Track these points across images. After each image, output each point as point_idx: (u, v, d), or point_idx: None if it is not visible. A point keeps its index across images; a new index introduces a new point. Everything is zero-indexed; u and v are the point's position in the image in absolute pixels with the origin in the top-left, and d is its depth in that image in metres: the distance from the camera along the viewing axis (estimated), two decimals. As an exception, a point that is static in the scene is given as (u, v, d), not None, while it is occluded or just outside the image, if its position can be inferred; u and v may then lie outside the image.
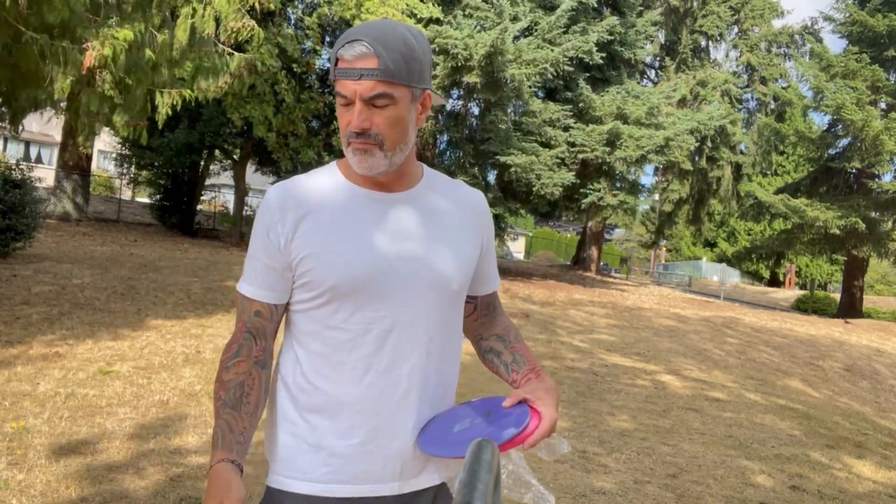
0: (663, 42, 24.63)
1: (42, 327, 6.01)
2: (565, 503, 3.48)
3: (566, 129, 15.63)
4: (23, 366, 4.91)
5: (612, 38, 16.44)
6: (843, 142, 21.00)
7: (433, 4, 13.22)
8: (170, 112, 6.91)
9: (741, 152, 24.76)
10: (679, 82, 21.41)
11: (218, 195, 20.67)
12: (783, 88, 24.17)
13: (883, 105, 20.90)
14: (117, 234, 13.76)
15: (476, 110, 15.77)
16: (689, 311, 14.43)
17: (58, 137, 21.38)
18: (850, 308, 21.39)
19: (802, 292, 27.10)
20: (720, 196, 25.26)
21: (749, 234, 40.75)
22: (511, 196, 16.11)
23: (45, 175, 20.14)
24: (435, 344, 1.22)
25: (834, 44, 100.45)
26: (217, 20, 6.90)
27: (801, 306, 22.74)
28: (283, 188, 1.21)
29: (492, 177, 16.30)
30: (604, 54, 15.55)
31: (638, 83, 20.06)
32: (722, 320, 13.15)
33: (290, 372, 1.22)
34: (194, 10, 6.62)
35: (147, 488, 3.15)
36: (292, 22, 14.89)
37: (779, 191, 23.50)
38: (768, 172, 36.85)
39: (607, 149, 15.48)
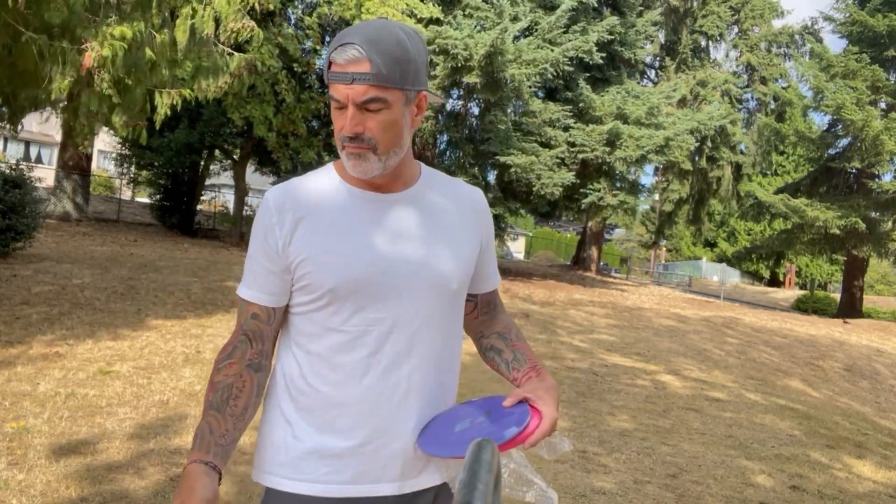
0: (663, 42, 24.63)
1: (42, 327, 6.01)
2: (565, 503, 3.48)
3: (566, 129, 15.63)
4: (23, 366, 4.91)
5: (612, 38, 16.44)
6: (843, 142, 21.01)
7: (433, 4, 13.22)
8: (169, 112, 6.90)
9: (741, 152, 24.77)
10: (679, 82, 21.41)
11: (218, 195, 20.66)
12: (783, 88, 24.18)
13: (883, 105, 20.90)
14: (117, 234, 13.76)
15: (476, 110, 15.78)
16: (689, 311, 14.43)
17: (58, 137, 21.39)
18: (850, 308, 21.39)
19: (802, 292, 27.10)
20: (720, 196, 25.26)
21: (749, 234, 40.76)
22: (511, 196, 16.11)
23: (45, 175, 20.14)
24: (435, 344, 1.21)
25: (834, 44, 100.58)
26: (217, 20, 6.91)
27: (801, 306, 22.74)
28: (281, 190, 1.21)
29: (492, 177, 16.30)
30: (604, 54, 15.55)
31: (638, 83, 20.06)
32: (722, 320, 13.15)
33: (289, 373, 1.22)
34: (194, 10, 6.62)
35: (147, 488, 3.15)
36: (292, 22, 14.89)
37: (779, 191, 23.51)
38: (768, 172, 36.86)
39: (607, 149, 15.48)
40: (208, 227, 18.47)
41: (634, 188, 18.09)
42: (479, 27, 14.28)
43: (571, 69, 15.07)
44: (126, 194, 23.45)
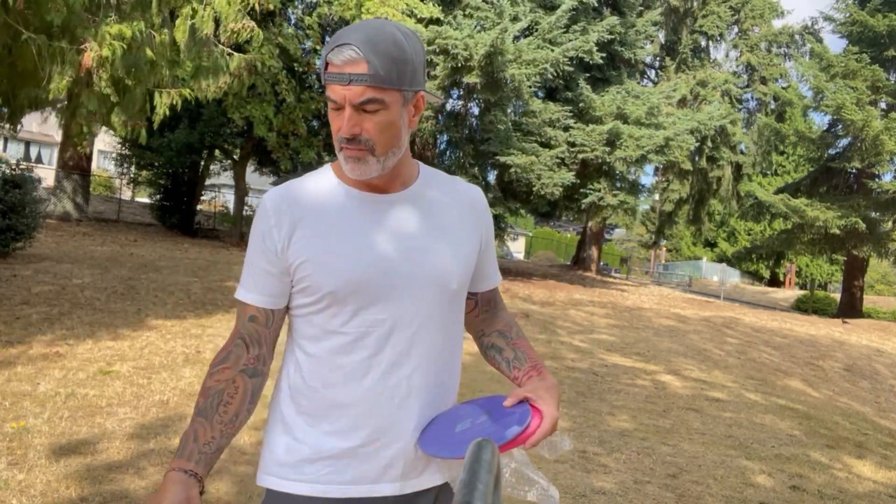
0: (663, 42, 24.63)
1: (42, 327, 6.01)
2: (565, 503, 3.48)
3: (566, 129, 15.63)
4: (23, 366, 4.91)
5: (612, 38, 16.44)
6: (843, 142, 21.01)
7: (433, 4, 13.22)
8: (168, 112, 6.89)
9: (741, 152, 24.77)
10: (679, 82, 21.41)
11: (218, 195, 20.66)
12: (783, 88, 24.18)
13: (883, 105, 20.90)
14: (117, 234, 13.76)
15: (476, 110, 15.78)
16: (689, 311, 14.42)
17: (58, 137, 21.39)
18: (850, 308, 21.39)
19: (802, 292, 27.10)
20: (720, 196, 25.26)
21: (749, 234, 40.76)
22: (511, 196, 16.11)
23: (46, 175, 20.15)
24: (436, 344, 1.21)
25: (834, 44, 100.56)
26: (217, 21, 6.90)
27: (801, 306, 22.74)
28: (279, 193, 1.21)
29: (492, 177, 16.30)
30: (604, 54, 15.55)
31: (638, 83, 20.06)
32: (722, 320, 13.15)
33: (291, 375, 1.22)
34: (194, 10, 6.62)
35: (147, 488, 3.15)
36: (292, 22, 14.89)
37: (779, 191, 23.51)
38: (768, 172, 36.86)
39: (607, 149, 15.48)
40: (208, 227, 18.47)
41: (634, 188, 18.09)
42: (479, 27, 14.28)
43: (571, 69, 15.07)
44: (126, 194, 23.45)
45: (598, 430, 4.94)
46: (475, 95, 14.55)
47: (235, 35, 7.16)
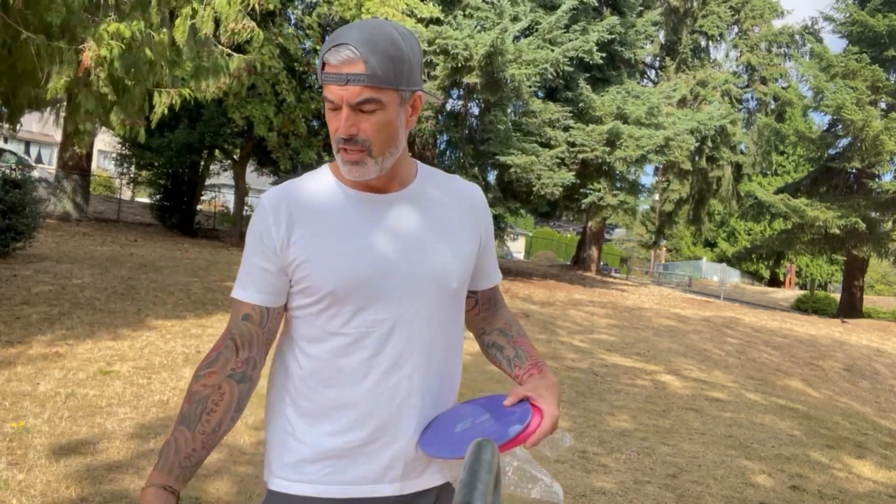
0: (663, 42, 24.64)
1: (42, 327, 6.01)
2: (565, 503, 3.48)
3: (566, 129, 15.63)
4: (23, 366, 4.91)
5: (612, 38, 16.44)
6: (843, 142, 21.01)
7: (433, 4, 13.22)
8: (166, 112, 6.89)
9: (741, 152, 24.77)
10: (679, 82, 21.42)
11: (218, 195, 20.66)
12: (783, 88, 24.18)
13: (883, 105, 20.91)
14: (117, 234, 13.76)
15: (476, 110, 15.78)
16: (689, 311, 14.42)
17: (58, 137, 21.38)
18: (850, 308, 21.40)
19: (802, 292, 27.10)
20: (720, 196, 25.27)
21: (749, 234, 40.76)
22: (511, 196, 16.11)
23: (45, 175, 20.13)
24: (436, 344, 1.21)
25: (834, 44, 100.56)
26: (217, 21, 6.90)
27: (801, 306, 22.74)
28: (277, 193, 1.20)
29: (492, 177, 16.30)
30: (604, 54, 15.55)
31: (638, 83, 20.06)
32: (722, 320, 13.15)
33: (290, 376, 1.22)
34: (194, 10, 6.62)
35: (147, 488, 3.14)
36: (292, 22, 14.90)
37: (779, 191, 23.51)
38: (768, 172, 36.86)
39: (607, 149, 15.48)
40: (208, 227, 18.47)
41: (634, 188, 18.09)
42: (479, 27, 14.28)
43: (571, 69, 15.07)
44: (126, 194, 23.44)
45: (598, 430, 4.94)
46: (475, 95, 14.55)
47: (236, 35, 7.16)
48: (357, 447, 1.17)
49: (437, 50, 13.09)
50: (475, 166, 15.15)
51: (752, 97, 25.52)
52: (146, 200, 19.98)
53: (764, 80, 24.68)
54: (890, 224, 20.39)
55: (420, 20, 13.13)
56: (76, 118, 6.43)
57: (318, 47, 14.53)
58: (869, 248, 20.45)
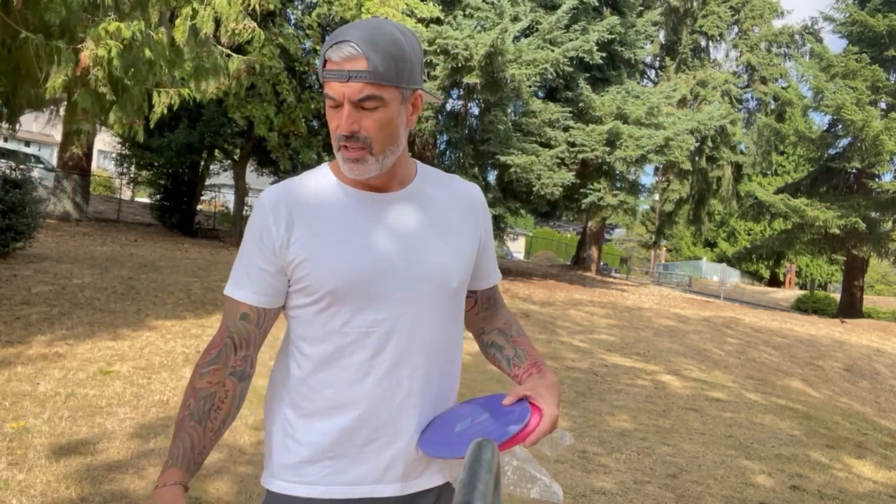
0: (663, 42, 24.64)
1: (42, 327, 6.01)
2: (565, 503, 3.48)
3: (566, 129, 15.63)
4: (23, 366, 4.91)
5: (613, 37, 16.44)
6: (843, 142, 21.02)
7: (433, 4, 13.22)
8: (165, 111, 6.88)
9: (741, 152, 24.77)
10: (679, 82, 21.42)
11: (218, 195, 20.66)
12: (783, 88, 24.18)
13: (883, 105, 20.91)
14: (117, 234, 13.76)
15: (476, 110, 15.78)
16: (690, 311, 14.42)
17: (58, 137, 21.40)
18: (850, 308, 21.40)
19: (802, 292, 27.10)
20: (720, 196, 25.27)
21: (749, 234, 40.77)
22: (511, 196, 16.11)
23: (45, 175, 20.13)
24: (436, 344, 1.21)
25: (834, 44, 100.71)
26: (217, 21, 6.90)
27: (801, 306, 22.74)
28: (277, 191, 1.20)
29: (492, 177, 16.30)
30: (604, 54, 15.55)
31: (638, 83, 20.06)
32: (722, 320, 13.15)
33: (289, 376, 1.21)
34: (194, 10, 6.62)
35: (147, 488, 3.15)
36: (292, 22, 14.90)
37: (779, 191, 23.52)
38: (768, 172, 36.88)
39: (607, 149, 15.48)
40: (208, 227, 18.47)
41: (634, 188, 18.09)
42: (479, 27, 14.28)
43: (571, 69, 15.07)
44: (126, 194, 23.44)
45: (598, 430, 4.94)
46: (475, 95, 14.55)
47: (236, 36, 7.16)
48: (357, 447, 1.17)
49: (437, 50, 13.09)
50: (475, 166, 15.15)
51: (752, 97, 25.53)
52: (146, 200, 19.98)
53: (764, 80, 24.68)
54: (890, 224, 20.39)
55: (420, 20, 13.13)
56: (74, 117, 6.43)
57: (318, 47, 14.53)
58: (869, 248, 20.46)
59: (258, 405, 1.05)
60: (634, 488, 3.78)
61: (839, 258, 23.33)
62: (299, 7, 14.82)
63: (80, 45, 5.54)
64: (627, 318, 11.91)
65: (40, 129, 31.19)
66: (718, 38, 24.76)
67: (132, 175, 18.09)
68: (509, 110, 15.28)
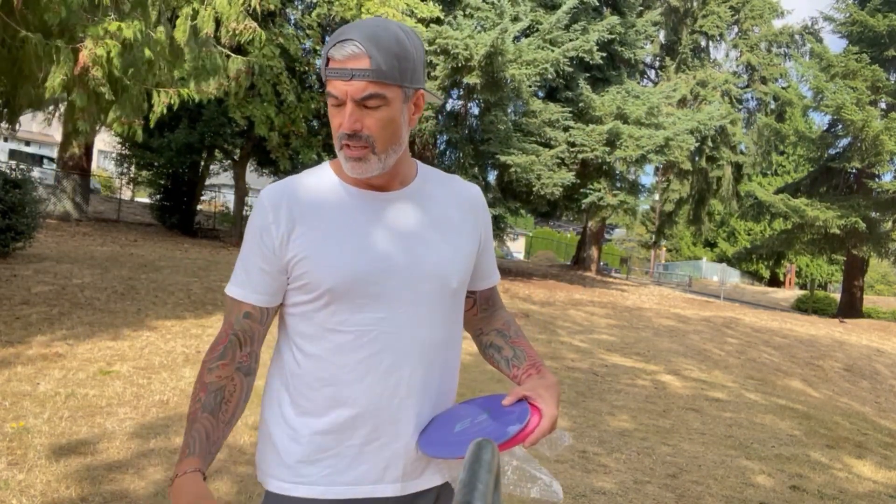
0: (663, 42, 24.64)
1: (42, 327, 6.01)
2: (565, 503, 3.48)
3: (566, 129, 15.63)
4: (23, 366, 4.91)
5: (613, 37, 16.45)
6: (843, 142, 21.03)
7: (433, 4, 13.22)
8: (164, 111, 6.88)
9: (741, 152, 24.78)
10: (679, 82, 21.43)
11: (218, 195, 20.66)
12: (783, 88, 24.19)
13: (883, 105, 20.91)
14: (117, 234, 13.76)
15: (476, 110, 15.78)
16: (690, 311, 14.42)
17: (58, 137, 21.39)
18: (850, 308, 21.40)
19: (802, 292, 27.11)
20: (720, 196, 25.28)
21: (749, 234, 40.78)
22: (511, 196, 16.11)
23: (45, 175, 20.15)
24: (436, 343, 1.21)
25: (834, 44, 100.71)
26: (217, 21, 6.90)
27: (801, 306, 22.74)
28: (277, 189, 1.20)
29: (492, 177, 16.31)
30: (604, 54, 15.56)
31: (638, 83, 20.07)
32: (722, 320, 13.15)
33: (288, 375, 1.21)
34: (195, 10, 6.62)
35: (147, 488, 3.15)
36: (292, 22, 14.91)
37: (779, 191, 23.52)
38: (768, 172, 36.90)
39: (607, 149, 15.48)
40: (208, 227, 18.47)
41: (634, 188, 18.10)
42: (479, 27, 14.29)
43: (571, 69, 15.08)
44: (126, 194, 23.45)
45: (598, 430, 4.94)
46: (475, 95, 14.55)
47: (237, 36, 7.16)
48: (357, 447, 1.17)
49: (438, 50, 13.09)
50: (475, 166, 15.15)
51: (752, 97, 25.53)
52: (146, 200, 19.99)
53: (764, 80, 24.68)
54: (890, 224, 20.40)
55: (420, 20, 13.13)
56: (72, 116, 6.43)
57: (318, 47, 14.53)
58: (869, 248, 20.46)
59: (258, 405, 1.06)
60: (634, 488, 3.78)
61: (839, 258, 23.33)
62: (299, 7, 14.83)
63: (78, 45, 5.54)
64: (627, 318, 11.91)
65: (40, 129, 31.19)
66: (718, 38, 24.76)
67: (132, 175, 18.09)
68: (509, 110, 15.29)
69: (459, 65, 13.14)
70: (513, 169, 14.42)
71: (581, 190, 16.24)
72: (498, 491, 0.77)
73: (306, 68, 14.25)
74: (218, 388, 1.14)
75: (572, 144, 15.43)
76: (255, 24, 7.24)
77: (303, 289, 1.17)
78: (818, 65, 20.88)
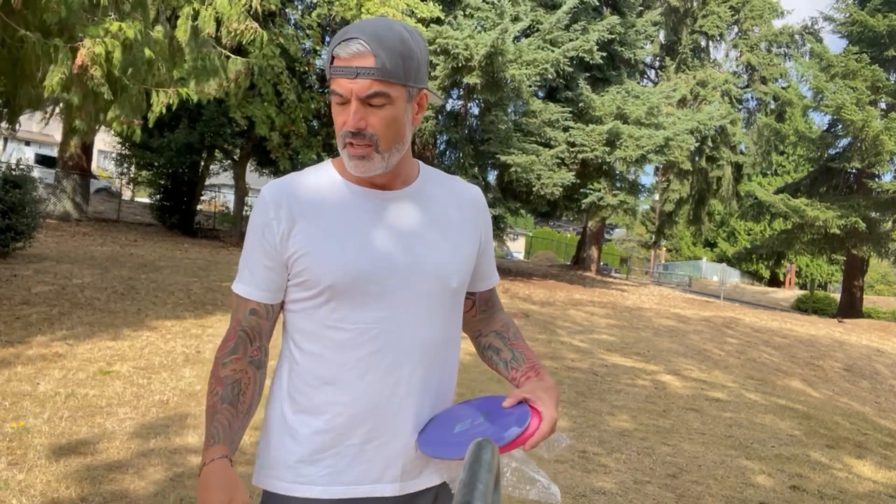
0: (663, 42, 24.64)
1: (42, 327, 6.01)
2: (565, 503, 3.48)
3: (566, 129, 15.63)
4: (23, 366, 4.91)
5: (613, 37, 16.44)
6: (843, 142, 21.03)
7: (433, 4, 13.22)
8: (164, 111, 6.87)
9: (741, 152, 24.77)
10: (679, 82, 21.43)
11: (218, 195, 20.65)
12: (783, 88, 24.18)
13: (883, 105, 20.91)
14: (117, 234, 13.76)
15: (476, 110, 15.78)
16: (690, 311, 14.43)
17: (58, 137, 21.38)
18: (850, 308, 21.40)
19: (802, 292, 27.10)
20: (720, 196, 25.27)
21: (749, 234, 40.78)
22: (511, 196, 16.11)
23: (45, 175, 20.14)
24: (435, 343, 1.21)
25: (834, 44, 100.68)
26: (218, 21, 6.89)
27: (801, 306, 22.74)
28: (278, 186, 1.20)
29: (492, 177, 16.31)
30: (604, 54, 15.55)
31: (638, 83, 20.07)
32: (722, 320, 13.15)
33: (287, 374, 1.21)
34: (195, 10, 6.61)
35: (147, 488, 3.15)
36: (292, 22, 14.91)
37: (779, 191, 23.53)
38: (768, 172, 36.90)
39: (607, 149, 15.48)
40: (208, 227, 18.47)
41: (634, 188, 18.09)
42: (479, 27, 14.29)
43: (571, 69, 15.08)
44: (126, 194, 23.44)
45: (598, 430, 4.94)
46: (475, 95, 14.55)
47: (238, 36, 7.15)
48: (356, 446, 1.17)
49: (438, 50, 13.09)
50: (475, 166, 15.15)
51: (752, 97, 25.53)
52: (146, 200, 19.99)
53: (764, 80, 24.68)
54: (890, 224, 20.40)
55: (420, 20, 13.13)
56: (71, 115, 6.43)
57: (318, 47, 14.54)
58: (869, 248, 20.47)
59: (261, 405, 1.07)
60: (634, 488, 3.78)
61: (839, 258, 23.33)
62: (299, 7, 14.83)
63: (77, 44, 5.54)
64: (627, 318, 11.91)
65: (40, 129, 31.17)
66: (718, 38, 24.76)
67: (132, 175, 18.09)
68: (509, 110, 15.29)
69: (459, 65, 13.14)
70: (513, 169, 14.42)
71: (581, 190, 16.24)
72: (498, 491, 0.77)
73: (306, 68, 14.25)
74: (234, 381, 1.15)
75: (572, 144, 15.43)
76: (256, 25, 7.23)
77: (302, 285, 1.17)
78: (818, 65, 20.89)
